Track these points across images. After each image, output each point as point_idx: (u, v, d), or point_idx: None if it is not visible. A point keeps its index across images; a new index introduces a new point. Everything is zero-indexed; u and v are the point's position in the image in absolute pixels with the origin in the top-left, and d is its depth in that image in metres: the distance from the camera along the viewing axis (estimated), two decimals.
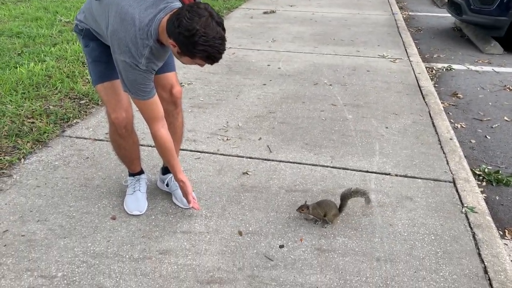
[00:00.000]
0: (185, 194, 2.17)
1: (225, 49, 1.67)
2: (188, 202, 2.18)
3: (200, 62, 1.70)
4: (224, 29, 1.66)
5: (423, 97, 3.91)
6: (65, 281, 1.85)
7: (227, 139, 3.08)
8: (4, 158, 2.72)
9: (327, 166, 2.77)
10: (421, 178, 2.67)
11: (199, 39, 1.58)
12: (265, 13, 7.36)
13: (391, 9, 7.93)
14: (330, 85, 4.17)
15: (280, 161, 2.82)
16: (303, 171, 2.72)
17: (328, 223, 2.22)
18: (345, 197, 2.25)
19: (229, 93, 3.90)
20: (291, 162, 2.81)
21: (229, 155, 2.88)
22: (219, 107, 3.61)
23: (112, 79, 1.98)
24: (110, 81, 2.00)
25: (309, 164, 2.79)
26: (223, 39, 1.64)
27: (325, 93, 3.97)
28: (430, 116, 3.52)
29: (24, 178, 2.56)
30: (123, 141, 2.17)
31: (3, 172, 2.60)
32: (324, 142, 3.08)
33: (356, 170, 2.73)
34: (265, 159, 2.84)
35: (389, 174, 2.71)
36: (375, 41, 5.73)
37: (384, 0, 8.84)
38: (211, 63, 1.70)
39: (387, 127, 3.32)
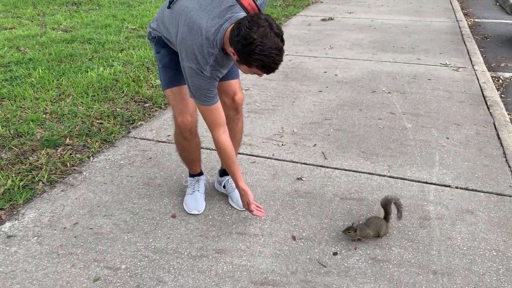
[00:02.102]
0: (246, 204, 2.18)
1: (281, 60, 1.69)
2: (250, 211, 2.19)
3: (257, 71, 1.75)
4: (283, 41, 1.69)
5: (488, 108, 3.75)
6: (128, 273, 1.96)
7: (282, 145, 3.13)
8: (75, 156, 2.94)
9: (384, 176, 2.74)
10: (483, 192, 2.57)
11: (256, 48, 1.62)
12: (323, 20, 7.36)
13: (455, 16, 7.65)
14: (389, 93, 4.10)
15: (335, 168, 2.83)
16: (359, 179, 2.70)
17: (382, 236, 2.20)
18: (386, 205, 2.20)
19: (285, 99, 3.94)
20: (346, 170, 2.80)
21: (284, 160, 2.92)
22: (275, 113, 3.66)
23: (180, 84, 2.09)
24: (178, 87, 2.10)
25: (365, 173, 2.77)
26: (280, 50, 1.67)
27: (383, 101, 3.91)
28: (495, 128, 3.37)
29: (92, 175, 2.74)
30: (186, 143, 2.28)
31: (74, 169, 2.80)
32: (381, 151, 3.04)
33: (415, 181, 2.68)
34: (320, 166, 2.85)
35: (449, 186, 2.63)
36: (437, 49, 5.56)
37: (447, 7, 8.54)
38: (267, 73, 1.73)
39: (448, 138, 3.22)
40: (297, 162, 2.90)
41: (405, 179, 2.70)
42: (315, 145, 3.13)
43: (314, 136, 3.26)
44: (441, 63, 4.98)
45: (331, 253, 2.09)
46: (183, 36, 1.80)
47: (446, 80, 4.44)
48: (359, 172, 2.78)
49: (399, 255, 2.08)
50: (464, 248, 2.12)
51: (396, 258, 2.06)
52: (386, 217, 2.23)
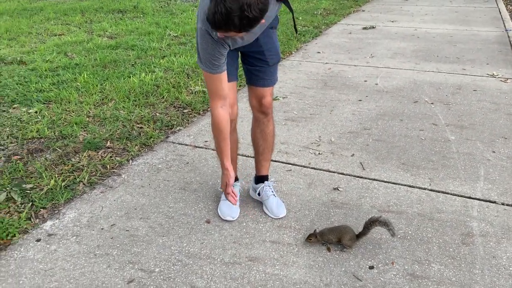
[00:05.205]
0: (225, 184, 2.17)
1: (220, 24, 1.58)
2: (226, 193, 2.18)
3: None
4: (244, 10, 1.53)
5: None
6: (162, 277, 1.98)
7: (319, 154, 3.08)
8: (115, 159, 3.01)
9: (425, 189, 2.64)
10: None
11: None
12: (364, 28, 7.25)
13: (504, 25, 7.35)
14: (432, 103, 3.97)
15: (374, 179, 2.75)
16: (398, 191, 2.62)
17: (346, 248, 2.12)
18: (369, 225, 2.11)
19: (323, 108, 3.90)
20: (385, 182, 2.72)
21: (320, 170, 2.87)
22: (312, 121, 3.62)
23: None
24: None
25: (405, 185, 2.68)
26: (228, 13, 1.53)
27: (426, 111, 3.79)
28: None
29: (131, 178, 2.79)
30: None
31: (114, 172, 2.87)
32: (423, 163, 2.94)
33: (457, 195, 2.57)
34: (357, 176, 2.79)
35: (494, 202, 2.50)
36: (484, 59, 5.35)
37: (496, 16, 8.23)
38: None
39: (494, 151, 3.07)
40: (334, 172, 2.85)
41: (447, 193, 2.59)
42: (353, 155, 3.06)
43: (352, 146, 3.19)
44: (488, 74, 4.78)
45: (367, 266, 2.03)
46: (200, 1, 1.88)
47: (493, 91, 4.26)
48: (398, 184, 2.70)
49: (439, 272, 1.99)
50: (510, 269, 2.00)
51: (435, 275, 1.97)
52: (359, 235, 2.14)
